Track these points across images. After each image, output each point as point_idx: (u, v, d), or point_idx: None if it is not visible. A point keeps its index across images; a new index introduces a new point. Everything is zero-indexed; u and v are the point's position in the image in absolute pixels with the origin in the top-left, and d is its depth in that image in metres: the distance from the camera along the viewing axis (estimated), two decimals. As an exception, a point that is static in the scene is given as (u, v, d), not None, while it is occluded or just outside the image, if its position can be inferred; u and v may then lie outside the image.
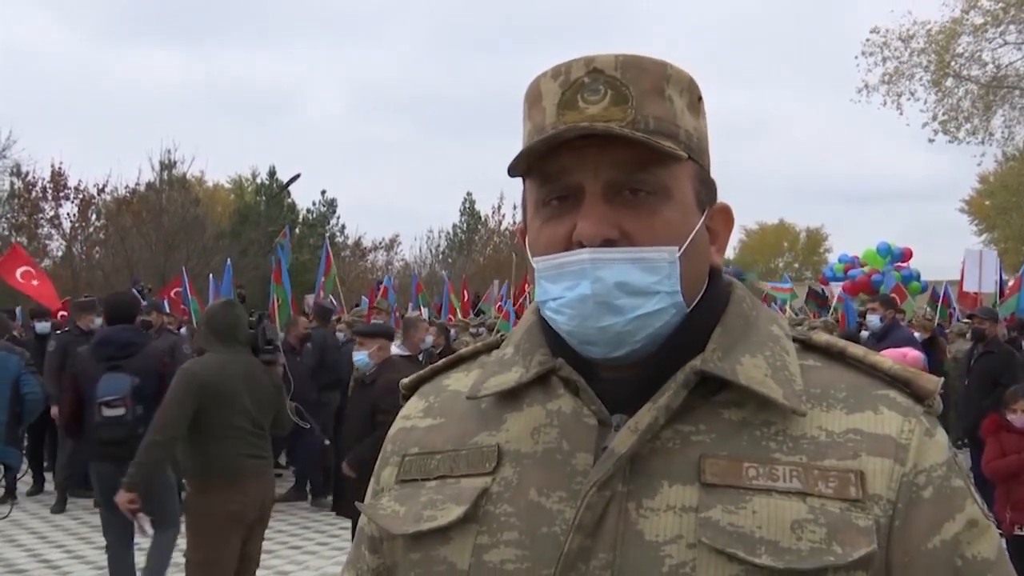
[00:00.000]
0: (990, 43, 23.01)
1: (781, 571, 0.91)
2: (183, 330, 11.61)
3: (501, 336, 1.21)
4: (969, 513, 0.98)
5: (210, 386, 4.60)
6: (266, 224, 29.45)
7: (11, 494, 8.70)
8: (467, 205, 42.73)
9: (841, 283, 25.69)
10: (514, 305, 15.46)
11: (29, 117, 61.47)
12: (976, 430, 8.06)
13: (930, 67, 23.21)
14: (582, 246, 0.98)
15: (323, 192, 40.24)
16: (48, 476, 10.31)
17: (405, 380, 1.25)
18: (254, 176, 40.65)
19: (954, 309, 14.74)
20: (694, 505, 0.94)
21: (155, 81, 68.39)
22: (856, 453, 0.97)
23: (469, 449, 1.07)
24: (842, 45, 68.73)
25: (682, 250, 1.00)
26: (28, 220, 27.78)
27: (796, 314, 15.18)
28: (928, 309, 14.60)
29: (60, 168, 27.74)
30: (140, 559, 5.73)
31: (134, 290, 11.60)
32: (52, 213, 28.02)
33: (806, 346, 1.07)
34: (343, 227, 40.28)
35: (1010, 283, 13.96)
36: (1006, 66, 23.28)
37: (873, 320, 9.43)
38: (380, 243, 39.15)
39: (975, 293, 13.91)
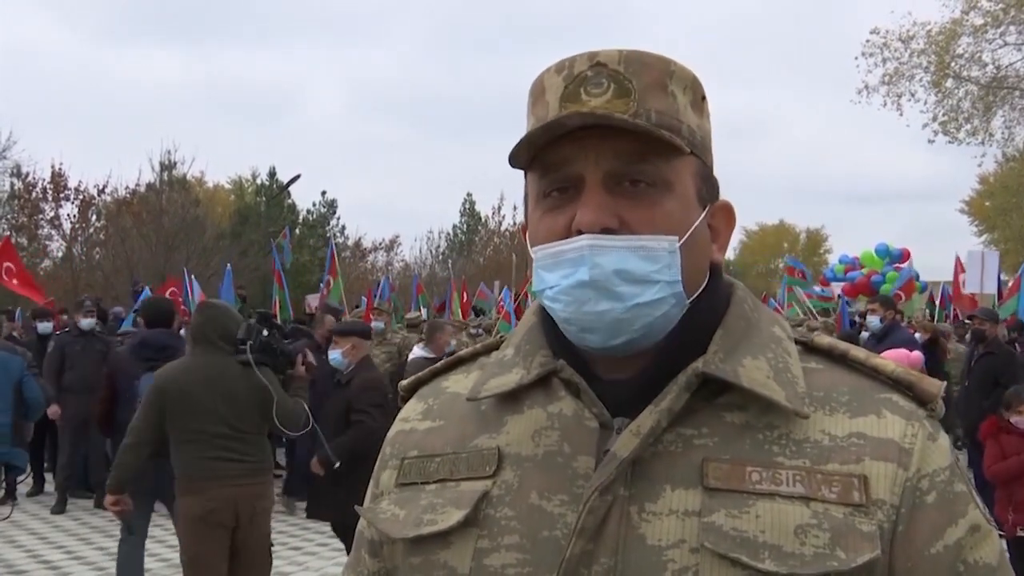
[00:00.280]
0: (990, 44, 23.02)
1: None
2: (183, 331, 11.60)
3: (501, 337, 1.20)
4: (972, 518, 0.98)
5: (170, 391, 4.66)
6: (266, 225, 29.46)
7: (11, 495, 8.70)
8: (467, 206, 42.79)
9: (841, 284, 25.72)
10: (514, 306, 15.45)
11: (29, 117, 61.50)
12: (976, 431, 8.07)
13: (930, 68, 23.20)
14: (581, 235, 0.97)
15: (323, 193, 40.32)
16: (48, 477, 10.32)
17: (404, 382, 1.24)
18: (254, 177, 40.72)
19: (948, 312, 14.75)
20: (697, 509, 0.94)
21: (155, 81, 68.35)
22: (859, 457, 0.96)
23: (469, 452, 1.06)
24: (842, 45, 68.75)
25: (682, 241, 0.99)
26: (28, 221, 27.79)
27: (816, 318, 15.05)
28: (926, 310, 14.61)
29: (60, 169, 27.77)
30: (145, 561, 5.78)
31: (133, 291, 11.62)
32: (52, 214, 28.05)
33: (808, 348, 1.07)
34: (343, 228, 40.32)
35: (1009, 284, 13.95)
36: (1006, 67, 23.29)
37: (873, 321, 9.41)
38: (380, 244, 39.20)
39: (972, 295, 13.92)
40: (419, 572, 1.04)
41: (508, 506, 1.00)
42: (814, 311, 16.45)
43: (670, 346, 1.01)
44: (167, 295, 13.47)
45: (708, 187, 1.05)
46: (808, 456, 0.96)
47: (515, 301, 15.78)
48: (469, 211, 42.70)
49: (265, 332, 4.80)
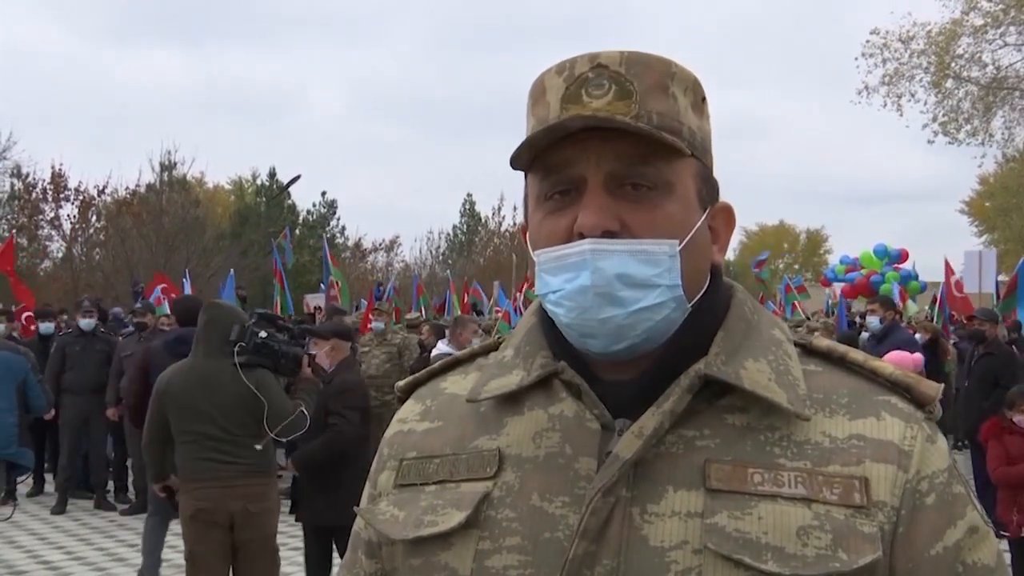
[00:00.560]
0: (990, 44, 23.04)
1: None
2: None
3: (499, 338, 1.20)
4: (970, 520, 0.98)
5: (169, 393, 4.74)
6: (266, 225, 29.48)
7: (12, 496, 8.70)
8: (467, 206, 42.81)
9: (840, 285, 25.70)
10: (513, 306, 15.45)
11: (29, 117, 61.35)
12: (976, 432, 8.06)
13: (930, 68, 23.22)
14: (583, 238, 0.97)
15: (323, 193, 40.39)
16: (48, 477, 10.31)
17: (400, 383, 1.24)
18: (254, 177, 40.78)
19: (947, 314, 14.74)
20: (699, 511, 0.94)
21: (155, 81, 68.30)
22: (860, 459, 0.97)
23: (469, 453, 1.06)
24: (842, 46, 68.92)
25: (683, 245, 1.00)
26: (28, 221, 27.82)
27: (809, 318, 15.05)
28: (928, 311, 14.62)
29: (60, 169, 27.81)
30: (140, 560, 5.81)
31: (134, 291, 11.62)
32: (52, 214, 28.10)
33: (807, 351, 1.07)
34: (343, 228, 40.37)
35: (1006, 283, 13.95)
36: (1006, 67, 23.31)
37: (873, 322, 9.42)
38: (380, 244, 39.22)
39: (963, 296, 13.93)
40: (419, 573, 1.04)
41: (509, 507, 1.00)
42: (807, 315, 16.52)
43: (671, 348, 1.01)
44: (159, 291, 13.50)
45: (708, 189, 1.06)
46: (809, 458, 0.96)
47: (513, 301, 15.78)
48: (469, 211, 42.73)
49: (263, 334, 4.75)
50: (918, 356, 7.94)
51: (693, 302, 1.02)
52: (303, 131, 72.44)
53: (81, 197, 27.79)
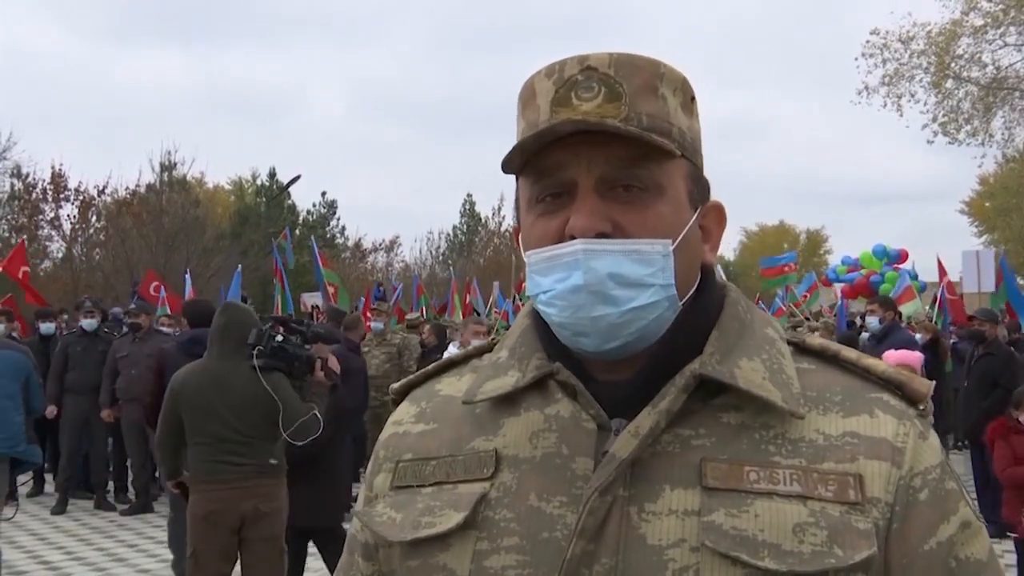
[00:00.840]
0: (990, 45, 23.01)
1: (784, 574, 0.91)
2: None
3: (493, 340, 1.20)
4: (962, 515, 0.99)
5: (183, 393, 4.76)
6: (266, 225, 29.50)
7: (13, 496, 8.70)
8: (467, 207, 42.84)
9: (840, 285, 25.71)
10: (513, 307, 15.48)
11: (29, 117, 61.34)
12: (976, 432, 8.06)
13: (930, 69, 23.19)
14: (575, 239, 0.98)
15: (323, 193, 40.42)
16: (48, 478, 10.32)
17: (395, 385, 1.24)
18: (254, 177, 40.81)
19: (946, 314, 14.74)
20: (696, 509, 0.95)
21: (155, 81, 68.16)
22: (854, 456, 0.97)
23: (466, 455, 1.06)
24: (842, 46, 68.69)
25: (675, 244, 1.00)
26: (28, 222, 27.77)
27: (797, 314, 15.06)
28: (929, 311, 14.61)
29: (60, 169, 27.76)
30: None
31: (133, 291, 11.63)
32: (52, 215, 28.03)
33: (800, 349, 1.08)
34: (343, 228, 40.38)
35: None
36: (1006, 68, 23.28)
37: (872, 322, 9.43)
38: (380, 245, 39.21)
39: (955, 297, 13.91)
40: (418, 575, 1.04)
41: (507, 508, 1.01)
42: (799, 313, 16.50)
43: (665, 348, 1.01)
44: (151, 289, 13.53)
45: (699, 188, 1.06)
46: (804, 455, 0.97)
47: (513, 302, 15.80)
48: (469, 212, 42.76)
49: (279, 337, 4.78)
50: (918, 355, 7.93)
51: (684, 301, 1.03)
52: (303, 131, 72.47)
53: (81, 197, 27.76)
